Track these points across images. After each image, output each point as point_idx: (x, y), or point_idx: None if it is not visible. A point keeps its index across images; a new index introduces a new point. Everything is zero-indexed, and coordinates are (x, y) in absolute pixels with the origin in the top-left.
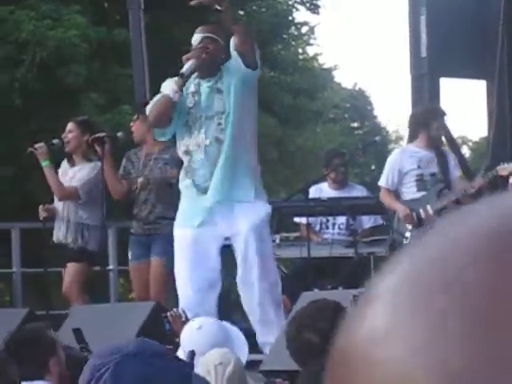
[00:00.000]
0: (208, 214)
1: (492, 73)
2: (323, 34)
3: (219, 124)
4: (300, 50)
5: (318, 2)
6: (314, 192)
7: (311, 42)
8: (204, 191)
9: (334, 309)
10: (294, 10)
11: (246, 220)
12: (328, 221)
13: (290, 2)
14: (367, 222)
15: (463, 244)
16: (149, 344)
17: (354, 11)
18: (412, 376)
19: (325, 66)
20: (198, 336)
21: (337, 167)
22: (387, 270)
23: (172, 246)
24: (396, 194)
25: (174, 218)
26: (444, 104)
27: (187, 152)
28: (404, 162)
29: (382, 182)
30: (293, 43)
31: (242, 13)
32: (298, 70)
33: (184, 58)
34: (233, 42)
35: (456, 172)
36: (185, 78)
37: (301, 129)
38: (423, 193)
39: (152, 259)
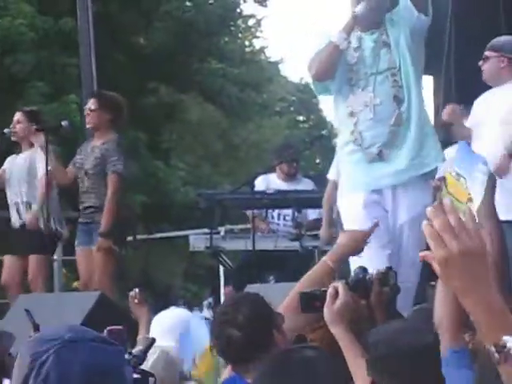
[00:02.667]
0: (382, 181)
1: (439, 68)
2: (270, 27)
3: (395, 81)
4: (247, 43)
5: None
6: (261, 182)
7: (258, 34)
8: (375, 155)
9: (253, 301)
10: (242, 1)
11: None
12: (274, 211)
13: None
14: (312, 213)
15: None
16: (85, 330)
17: (301, 4)
18: None
19: (271, 60)
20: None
21: (290, 160)
22: None
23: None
24: None
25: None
26: None
27: (352, 113)
28: None
29: (331, 175)
30: (240, 35)
31: (189, 4)
32: (244, 62)
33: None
34: None
35: None
36: (357, 21)
37: (246, 121)
38: None
39: (94, 247)
